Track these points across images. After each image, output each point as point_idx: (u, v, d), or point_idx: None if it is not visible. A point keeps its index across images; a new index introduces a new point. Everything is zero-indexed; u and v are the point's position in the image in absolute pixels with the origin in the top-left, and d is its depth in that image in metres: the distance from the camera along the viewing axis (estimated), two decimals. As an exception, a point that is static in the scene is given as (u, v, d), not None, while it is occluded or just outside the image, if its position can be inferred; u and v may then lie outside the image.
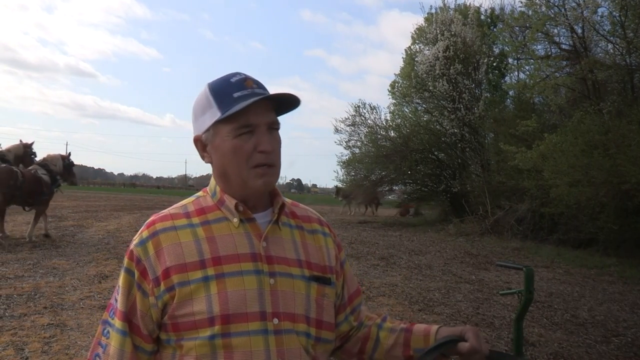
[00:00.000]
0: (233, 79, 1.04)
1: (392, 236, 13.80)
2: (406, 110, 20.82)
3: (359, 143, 19.87)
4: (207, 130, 1.04)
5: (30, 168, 8.86)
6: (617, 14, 11.94)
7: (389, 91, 21.36)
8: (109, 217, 14.58)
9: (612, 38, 12.64)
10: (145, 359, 1.04)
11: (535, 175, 11.90)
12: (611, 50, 13.00)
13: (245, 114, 1.00)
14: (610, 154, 10.01)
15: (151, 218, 1.08)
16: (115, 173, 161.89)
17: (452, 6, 18.78)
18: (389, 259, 9.22)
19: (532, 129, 12.42)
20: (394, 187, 22.13)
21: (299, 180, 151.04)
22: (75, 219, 13.02)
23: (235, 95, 1.01)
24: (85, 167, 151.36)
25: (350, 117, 19.50)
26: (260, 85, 1.05)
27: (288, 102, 1.06)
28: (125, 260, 1.04)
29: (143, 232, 1.04)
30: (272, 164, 1.04)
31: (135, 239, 1.05)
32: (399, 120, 20.27)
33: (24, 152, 9.40)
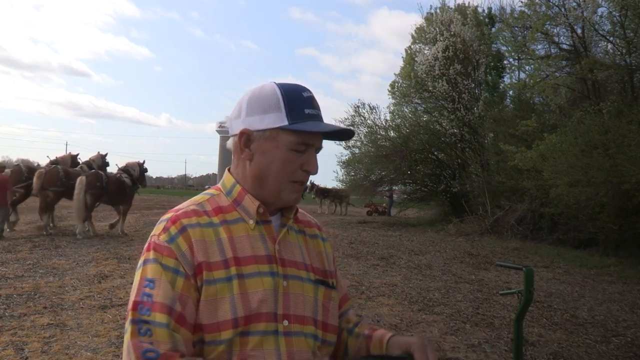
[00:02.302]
0: (304, 94, 1.06)
1: (392, 236, 13.80)
2: (406, 110, 20.86)
3: (358, 143, 19.91)
4: (264, 130, 1.04)
5: (115, 173, 11.12)
6: (617, 14, 11.95)
7: (389, 91, 21.39)
8: (109, 217, 14.56)
9: (611, 38, 12.66)
10: (192, 351, 0.98)
11: (535, 175, 11.90)
12: (611, 50, 13.02)
13: (309, 133, 1.04)
14: (610, 154, 10.02)
15: (172, 214, 1.04)
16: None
17: (452, 6, 18.82)
18: (388, 259, 9.22)
19: (531, 129, 12.43)
20: (394, 187, 22.17)
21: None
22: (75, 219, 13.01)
23: (307, 112, 1.04)
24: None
25: (349, 117, 19.53)
26: (319, 108, 1.09)
27: (338, 134, 1.10)
28: (159, 256, 0.98)
29: (170, 229, 1.01)
30: (306, 183, 1.09)
31: (162, 236, 1.00)
32: (399, 121, 20.30)
33: (102, 162, 12.39)
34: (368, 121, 19.39)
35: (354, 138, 19.67)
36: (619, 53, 12.64)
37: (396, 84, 21.17)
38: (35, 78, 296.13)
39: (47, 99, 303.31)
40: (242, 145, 1.06)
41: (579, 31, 12.93)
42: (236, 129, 1.07)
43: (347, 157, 20.16)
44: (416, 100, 20.08)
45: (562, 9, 12.60)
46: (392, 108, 21.04)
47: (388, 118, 20.28)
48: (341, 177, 20.80)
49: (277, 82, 1.08)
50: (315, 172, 1.07)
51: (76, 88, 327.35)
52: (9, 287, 5.41)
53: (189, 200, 1.09)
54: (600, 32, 12.80)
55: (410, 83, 19.30)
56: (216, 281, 0.98)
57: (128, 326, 0.97)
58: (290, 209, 1.11)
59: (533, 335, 4.64)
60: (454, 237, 13.53)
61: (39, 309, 4.70)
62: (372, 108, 19.41)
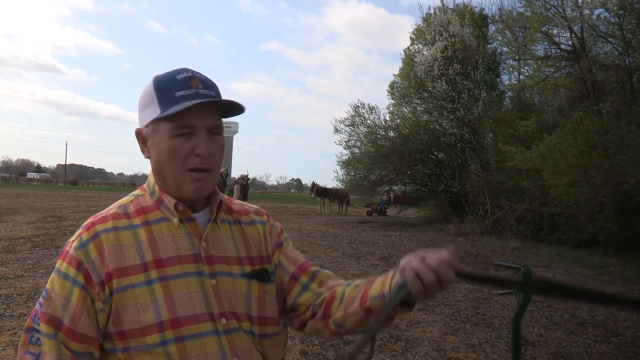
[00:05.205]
0: (179, 76, 1.00)
1: (392, 236, 13.81)
2: (405, 110, 20.86)
3: (358, 143, 19.93)
4: (147, 125, 1.02)
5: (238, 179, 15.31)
6: (615, 16, 11.96)
7: (388, 92, 21.39)
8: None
9: (610, 39, 12.67)
10: None
11: (535, 176, 11.91)
12: (610, 50, 13.03)
13: (185, 114, 0.96)
14: (610, 154, 10.02)
15: (89, 220, 1.03)
16: (115, 173, 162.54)
17: (451, 6, 18.84)
18: (389, 259, 9.22)
19: (531, 129, 12.44)
20: (394, 187, 22.18)
21: (298, 180, 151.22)
22: (75, 219, 13.00)
23: (178, 94, 0.98)
24: (85, 167, 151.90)
25: (349, 118, 19.57)
26: (206, 85, 1.01)
27: (234, 106, 1.03)
28: (62, 265, 0.99)
29: (82, 235, 0.99)
30: (209, 169, 1.01)
31: (74, 242, 1.00)
32: (398, 121, 20.31)
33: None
34: (368, 121, 19.44)
35: (353, 138, 19.81)
36: (617, 53, 12.65)
37: (395, 85, 21.20)
38: (5, 73, 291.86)
39: (25, 97, 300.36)
40: (141, 145, 1.05)
41: (578, 32, 12.95)
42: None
43: (347, 157, 20.20)
44: (416, 101, 20.09)
45: (561, 10, 12.61)
46: (391, 109, 21.08)
47: (387, 118, 20.32)
48: (341, 177, 20.83)
49: (159, 73, 1.05)
50: (206, 153, 0.98)
51: (51, 85, 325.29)
52: (9, 287, 5.41)
53: (114, 203, 1.07)
54: (599, 32, 12.81)
55: (410, 83, 19.30)
56: (134, 286, 0.95)
57: (23, 333, 0.98)
58: (214, 201, 1.08)
59: (533, 335, 4.64)
60: (454, 237, 13.53)
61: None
62: (371, 108, 19.47)
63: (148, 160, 1.07)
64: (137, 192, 1.10)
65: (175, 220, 1.02)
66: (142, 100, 1.04)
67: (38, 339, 0.95)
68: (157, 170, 1.04)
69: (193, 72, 1.02)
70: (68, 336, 0.95)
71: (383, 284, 0.97)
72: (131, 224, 1.01)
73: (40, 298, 1.00)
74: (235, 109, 1.04)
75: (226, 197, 1.17)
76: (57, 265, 1.01)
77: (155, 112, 0.99)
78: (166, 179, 1.03)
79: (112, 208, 1.05)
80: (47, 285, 1.00)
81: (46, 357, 0.94)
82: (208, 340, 0.96)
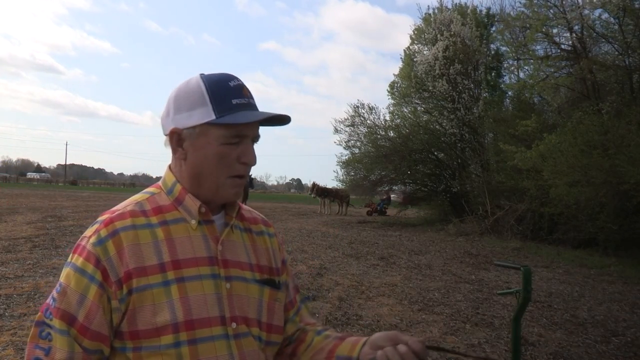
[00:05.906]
0: (231, 83, 1.01)
1: (391, 236, 13.81)
2: (405, 110, 20.86)
3: (358, 143, 19.93)
4: (193, 127, 1.00)
5: None
6: (614, 17, 11.97)
7: (388, 92, 21.40)
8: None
9: (610, 39, 12.68)
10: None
11: (535, 175, 11.91)
12: (610, 50, 13.04)
13: (240, 124, 0.99)
14: (610, 154, 10.03)
15: (106, 216, 1.01)
16: (115, 173, 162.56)
17: (450, 6, 18.86)
18: (388, 258, 9.22)
19: (531, 129, 12.44)
20: (394, 187, 22.17)
21: (298, 180, 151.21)
22: (75, 219, 13.01)
23: (234, 102, 0.99)
24: (85, 167, 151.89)
25: (349, 118, 19.58)
26: (252, 95, 1.04)
27: (274, 119, 1.05)
28: (79, 260, 0.96)
29: (101, 231, 0.97)
30: (246, 176, 1.05)
31: (91, 238, 0.97)
32: (399, 121, 20.31)
33: None
34: (368, 121, 19.44)
35: (353, 138, 19.83)
36: (617, 54, 12.65)
37: (395, 85, 21.19)
38: (3, 73, 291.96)
39: (23, 96, 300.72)
40: (175, 145, 1.03)
41: (579, 32, 12.95)
42: (167, 128, 1.03)
43: (347, 157, 20.20)
44: (416, 101, 20.10)
45: (561, 9, 12.61)
46: (391, 109, 21.08)
47: (387, 118, 20.32)
48: (341, 177, 20.83)
49: (203, 73, 1.03)
50: (253, 162, 1.03)
51: (50, 84, 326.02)
52: (9, 287, 5.41)
53: (128, 200, 1.06)
54: (599, 33, 12.81)
55: (410, 83, 19.31)
56: (152, 286, 0.95)
57: (32, 327, 0.97)
58: (232, 206, 1.08)
59: (533, 335, 4.64)
60: (454, 237, 13.53)
61: (39, 308, 4.70)
62: (371, 108, 19.47)
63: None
64: (151, 189, 1.08)
65: (194, 222, 1.02)
66: (184, 99, 1.01)
67: (49, 334, 0.95)
68: (195, 172, 1.02)
69: (240, 80, 1.04)
70: (81, 333, 0.94)
71: (353, 347, 1.04)
72: (149, 222, 1.00)
73: (54, 292, 0.98)
74: (276, 121, 1.05)
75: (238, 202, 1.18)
76: (72, 260, 0.98)
77: (208, 115, 0.98)
78: (204, 183, 1.02)
79: (129, 205, 1.03)
80: (61, 280, 0.98)
81: (57, 352, 0.93)
82: (219, 343, 0.97)
